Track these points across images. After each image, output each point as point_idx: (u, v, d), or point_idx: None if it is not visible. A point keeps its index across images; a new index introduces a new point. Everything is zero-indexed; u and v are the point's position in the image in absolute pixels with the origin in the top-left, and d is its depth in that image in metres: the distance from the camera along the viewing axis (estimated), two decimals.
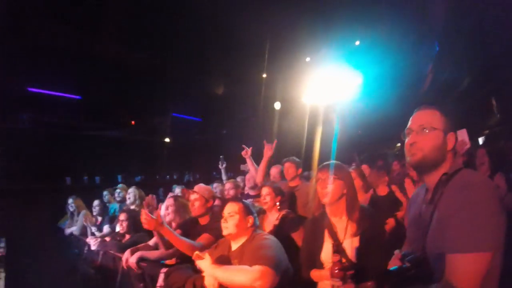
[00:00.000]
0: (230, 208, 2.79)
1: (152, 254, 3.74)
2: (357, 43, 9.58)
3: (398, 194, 4.61)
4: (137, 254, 3.70)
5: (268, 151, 4.35)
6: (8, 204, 8.20)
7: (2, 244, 3.85)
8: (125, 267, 3.75)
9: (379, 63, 8.76)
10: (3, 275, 2.99)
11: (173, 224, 3.96)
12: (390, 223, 4.25)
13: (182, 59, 10.16)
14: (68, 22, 8.58)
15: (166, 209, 4.01)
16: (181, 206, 4.05)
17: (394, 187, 4.72)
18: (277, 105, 10.48)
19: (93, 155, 11.78)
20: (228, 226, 2.73)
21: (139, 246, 3.99)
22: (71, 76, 10.33)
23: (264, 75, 10.97)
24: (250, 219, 2.77)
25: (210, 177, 6.09)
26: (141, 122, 13.65)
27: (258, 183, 4.40)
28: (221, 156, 6.02)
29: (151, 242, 4.02)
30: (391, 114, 7.40)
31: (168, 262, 3.64)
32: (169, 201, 4.06)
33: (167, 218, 3.94)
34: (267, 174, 4.56)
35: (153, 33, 9.21)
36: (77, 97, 11.75)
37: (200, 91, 11.45)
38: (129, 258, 3.71)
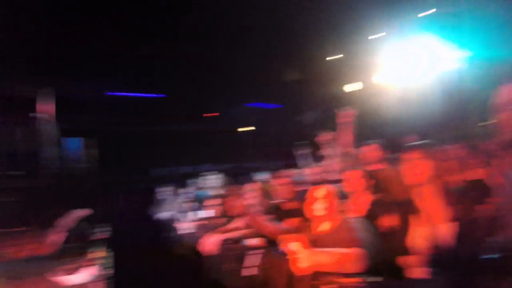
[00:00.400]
0: (320, 192, 2.79)
1: (234, 235, 3.85)
2: (432, 11, 8.71)
3: (493, 178, 4.24)
4: (218, 236, 3.85)
5: (344, 117, 4.20)
6: (110, 194, 9.06)
7: (107, 229, 4.26)
8: (204, 249, 3.90)
9: (459, 34, 7.96)
10: (111, 253, 3.34)
11: (258, 209, 4.05)
12: (484, 208, 3.93)
13: (257, 51, 10.22)
14: (143, 27, 9.08)
15: (251, 194, 4.11)
16: (265, 191, 4.12)
17: (488, 170, 4.34)
18: (353, 86, 10.15)
19: (182, 147, 12.67)
20: (319, 209, 2.74)
21: (222, 228, 4.14)
22: (155, 77, 11.03)
23: (337, 56, 10.59)
24: (340, 203, 2.77)
25: (293, 163, 6.11)
26: (224, 113, 14.13)
27: (348, 151, 4.28)
28: (300, 142, 6.00)
29: (236, 224, 4.15)
30: (478, 89, 6.78)
31: (254, 244, 3.74)
32: (254, 186, 4.15)
33: (252, 203, 4.04)
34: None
35: (226, 30, 9.38)
36: (163, 95, 12.59)
37: (278, 79, 11.41)
38: (210, 240, 3.86)
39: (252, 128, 14.98)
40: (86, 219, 4.38)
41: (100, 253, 3.43)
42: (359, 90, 10.12)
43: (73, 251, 3.62)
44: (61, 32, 8.40)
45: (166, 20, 8.94)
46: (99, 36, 8.95)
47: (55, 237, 3.88)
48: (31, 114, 7.61)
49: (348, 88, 10.37)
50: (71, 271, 3.06)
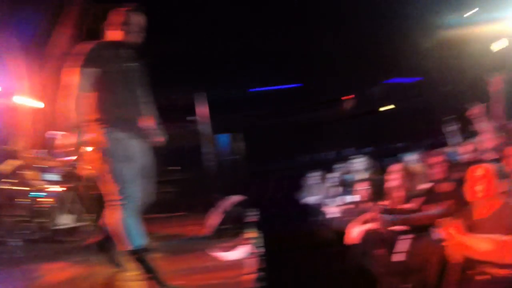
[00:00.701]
0: (480, 171, 2.53)
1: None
2: None
3: None
4: (364, 226, 3.73)
5: (496, 85, 3.67)
6: (260, 181, 9.70)
7: (257, 212, 4.60)
8: (349, 239, 3.82)
9: None
10: (262, 234, 3.61)
11: (400, 192, 3.83)
12: None
13: (386, 20, 9.47)
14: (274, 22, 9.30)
15: (394, 176, 3.91)
16: (409, 173, 3.87)
17: None
18: (498, 45, 8.48)
19: (323, 132, 12.75)
20: (478, 190, 2.49)
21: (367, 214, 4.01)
22: (291, 68, 11.30)
23: (473, 11, 8.94)
24: (503, 184, 2.47)
25: (440, 141, 5.59)
26: (360, 94, 13.66)
27: (504, 124, 3.78)
28: (446, 118, 5.40)
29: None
30: None
31: (402, 228, 3.56)
32: (396, 167, 3.93)
33: (394, 184, 3.84)
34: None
35: (353, 7, 9.00)
36: (298, 85, 12.85)
37: (413, 49, 10.25)
38: (355, 230, 3.78)
39: (392, 106, 14.07)
40: (240, 204, 4.78)
41: (252, 233, 3.72)
42: (505, 48, 8.44)
43: (229, 232, 4.02)
44: (205, 41, 9.22)
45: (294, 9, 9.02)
46: (239, 39, 9.55)
47: (214, 220, 4.34)
48: (189, 117, 8.66)
49: (494, 47, 8.68)
50: (227, 249, 3.38)
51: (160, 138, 3.04)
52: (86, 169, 2.78)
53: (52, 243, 4.44)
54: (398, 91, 13.29)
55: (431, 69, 10.47)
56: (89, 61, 2.68)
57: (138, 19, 2.87)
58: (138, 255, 2.57)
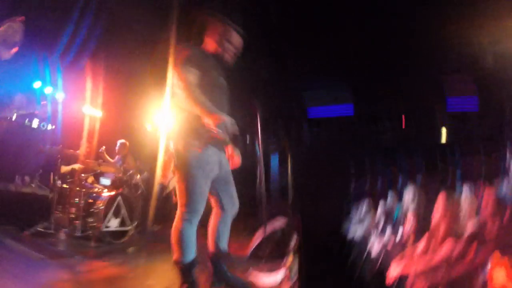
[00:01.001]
0: None
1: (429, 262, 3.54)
2: None
3: None
4: (398, 267, 3.59)
5: None
6: (303, 197, 9.58)
7: (296, 237, 4.57)
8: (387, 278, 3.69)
9: None
10: (300, 260, 3.58)
11: (442, 229, 3.64)
12: None
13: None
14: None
15: (436, 210, 3.73)
16: (455, 206, 3.68)
17: None
18: None
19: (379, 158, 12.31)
20: None
21: (415, 249, 3.86)
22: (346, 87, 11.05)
23: None
24: None
25: (502, 153, 5.05)
26: (413, 120, 12.86)
27: None
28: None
29: (430, 243, 3.83)
30: None
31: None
32: (440, 199, 3.74)
33: (436, 220, 3.68)
34: None
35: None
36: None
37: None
38: (400, 269, 3.63)
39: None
40: (283, 228, 4.80)
41: (291, 258, 3.71)
42: None
43: (268, 255, 4.04)
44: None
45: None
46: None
47: (255, 241, 4.38)
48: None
49: None
50: (265, 272, 3.40)
51: (237, 158, 3.06)
52: (164, 176, 2.82)
53: (96, 242, 4.72)
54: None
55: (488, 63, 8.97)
56: (190, 61, 2.68)
57: (237, 40, 2.87)
58: (185, 267, 2.65)
